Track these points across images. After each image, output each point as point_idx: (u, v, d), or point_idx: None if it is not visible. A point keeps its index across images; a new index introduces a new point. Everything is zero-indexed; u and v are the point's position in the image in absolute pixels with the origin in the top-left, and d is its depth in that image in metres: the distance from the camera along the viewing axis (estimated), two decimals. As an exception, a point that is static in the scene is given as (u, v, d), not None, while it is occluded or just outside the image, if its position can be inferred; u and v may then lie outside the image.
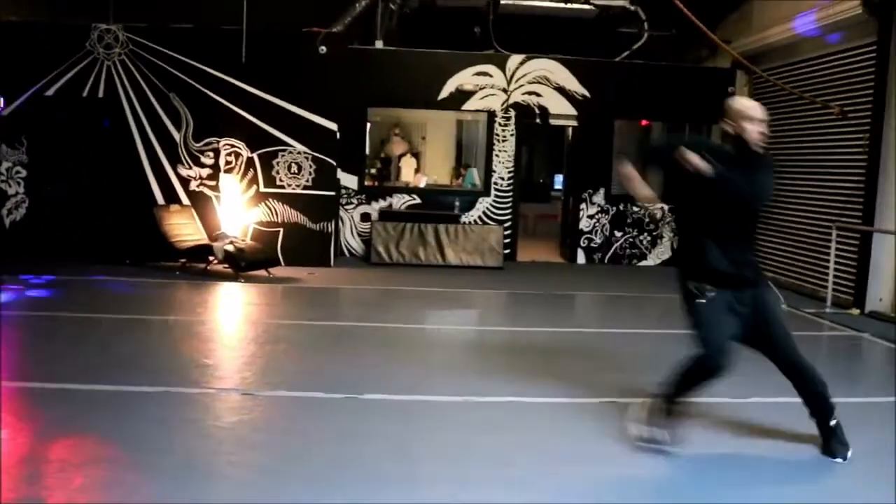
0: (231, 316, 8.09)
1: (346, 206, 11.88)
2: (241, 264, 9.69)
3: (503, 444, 4.30)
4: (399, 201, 12.04)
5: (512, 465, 4.00)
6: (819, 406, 4.29)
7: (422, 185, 12.84)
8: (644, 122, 14.26)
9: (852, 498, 3.89)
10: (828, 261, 9.33)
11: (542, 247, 13.57)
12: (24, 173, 10.60)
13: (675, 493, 3.81)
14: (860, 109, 9.38)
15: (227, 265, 9.80)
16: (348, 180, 11.85)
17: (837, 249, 9.25)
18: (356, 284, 9.91)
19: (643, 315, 8.94)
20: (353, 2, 11.15)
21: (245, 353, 6.39)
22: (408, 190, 12.38)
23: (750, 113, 3.91)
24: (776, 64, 11.32)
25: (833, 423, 4.29)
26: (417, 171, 13.87)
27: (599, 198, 12.26)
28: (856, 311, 8.97)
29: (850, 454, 4.24)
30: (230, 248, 9.73)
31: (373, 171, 13.28)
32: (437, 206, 12.02)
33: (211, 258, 9.92)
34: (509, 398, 5.16)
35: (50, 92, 10.54)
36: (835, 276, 9.27)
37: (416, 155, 14.34)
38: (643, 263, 12.32)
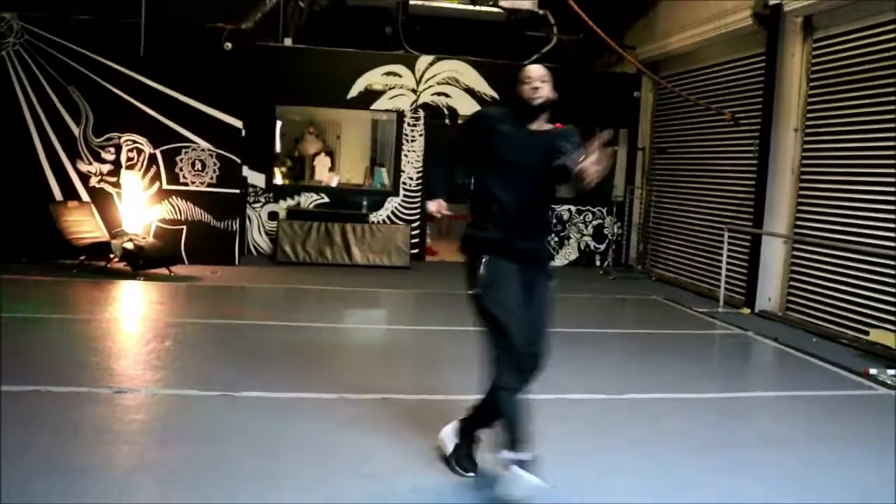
0: (122, 314, 7.91)
1: (254, 205, 11.75)
2: (140, 262, 9.49)
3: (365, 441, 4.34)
4: (307, 200, 11.96)
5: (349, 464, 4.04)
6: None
7: (333, 184, 12.79)
8: (558, 126, 14.50)
9: (740, 490, 3.99)
10: (719, 261, 9.65)
11: (454, 247, 13.60)
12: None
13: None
14: (751, 116, 9.74)
15: (126, 263, 9.59)
16: (256, 178, 11.72)
17: (729, 251, 9.56)
18: (258, 283, 9.83)
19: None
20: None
21: (128, 351, 6.28)
22: (316, 189, 12.31)
23: (523, 75, 3.97)
24: (676, 70, 11.68)
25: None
26: (332, 169, 13.83)
27: (508, 199, 12.39)
28: (746, 311, 9.29)
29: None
30: (129, 245, 9.54)
31: (283, 169, 13.18)
32: (346, 206, 11.97)
33: (111, 256, 9.70)
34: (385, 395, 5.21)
35: (-62, 82, 10.16)
36: (727, 277, 9.59)
37: (331, 154, 14.30)
38: (550, 264, 12.48)
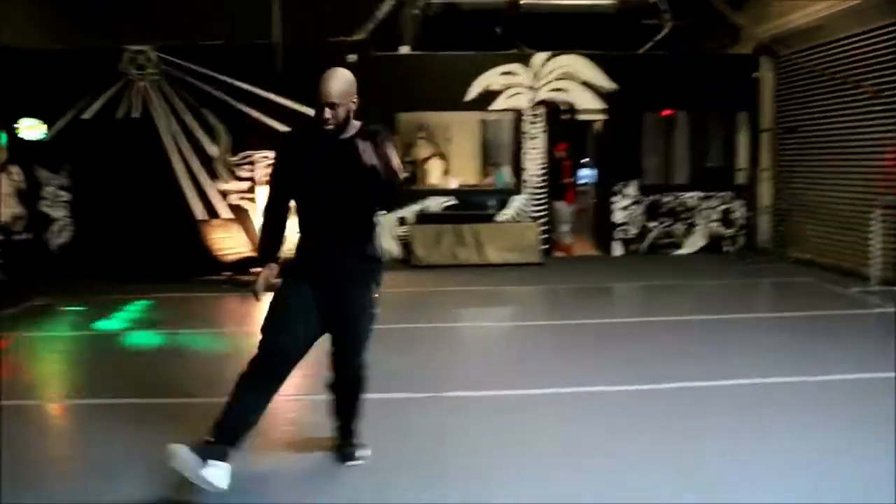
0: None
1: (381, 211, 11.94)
2: (287, 273, 9.79)
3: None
4: (434, 203, 12.11)
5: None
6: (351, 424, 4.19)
7: (454, 185, 12.91)
8: (666, 112, 14.33)
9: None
10: (866, 238, 9.37)
11: (575, 241, 13.58)
12: (66, 197, 10.80)
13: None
14: (891, 87, 9.42)
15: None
16: (382, 185, 11.91)
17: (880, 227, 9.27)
18: (398, 287, 9.99)
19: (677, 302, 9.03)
20: (373, 10, 11.29)
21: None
22: (442, 191, 12.46)
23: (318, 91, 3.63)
24: (801, 47, 11.38)
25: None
26: (446, 172, 13.95)
27: (632, 189, 12.34)
28: (902, 288, 9.01)
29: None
30: (276, 258, 9.85)
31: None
32: (471, 206, 12.08)
33: (256, 269, 10.02)
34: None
35: (86, 115, 10.73)
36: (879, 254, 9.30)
37: (442, 156, 14.42)
38: (679, 252, 12.37)
